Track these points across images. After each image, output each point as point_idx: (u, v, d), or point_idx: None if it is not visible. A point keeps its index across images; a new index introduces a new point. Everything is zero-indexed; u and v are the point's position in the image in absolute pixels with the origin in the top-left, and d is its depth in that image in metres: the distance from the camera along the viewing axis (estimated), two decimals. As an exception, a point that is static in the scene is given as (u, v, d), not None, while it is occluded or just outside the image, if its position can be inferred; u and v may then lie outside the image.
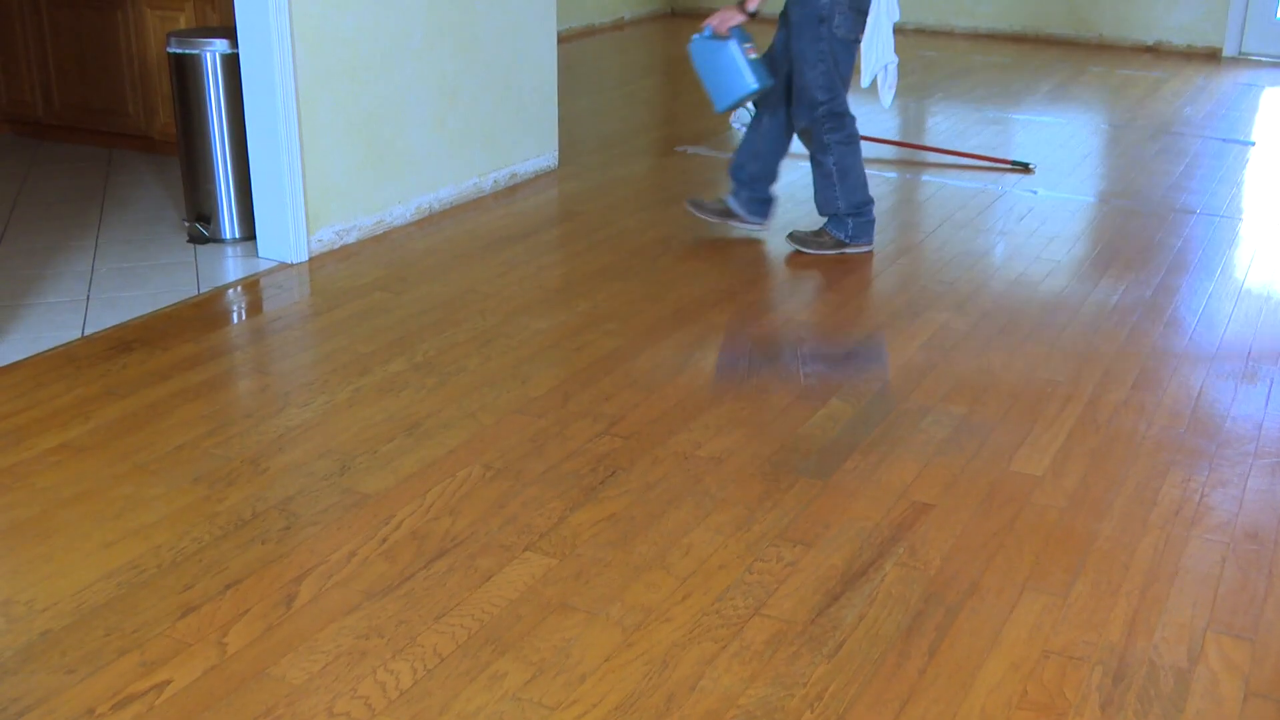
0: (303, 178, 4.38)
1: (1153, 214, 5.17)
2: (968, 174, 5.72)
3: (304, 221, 4.41)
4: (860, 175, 4.50)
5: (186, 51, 4.44)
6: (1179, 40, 8.97)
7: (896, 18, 4.46)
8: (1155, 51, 9.00)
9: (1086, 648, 2.39)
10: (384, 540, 2.70)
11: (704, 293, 4.22)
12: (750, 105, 4.79)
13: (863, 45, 4.41)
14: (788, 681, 2.28)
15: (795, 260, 4.53)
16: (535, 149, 5.55)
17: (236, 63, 4.35)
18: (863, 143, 4.63)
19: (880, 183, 5.58)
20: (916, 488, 2.96)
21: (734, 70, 4.36)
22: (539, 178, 5.52)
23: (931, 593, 2.56)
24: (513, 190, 5.35)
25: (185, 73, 4.46)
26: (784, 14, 4.45)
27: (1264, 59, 8.73)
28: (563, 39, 6.20)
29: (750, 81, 4.36)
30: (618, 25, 9.52)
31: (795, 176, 5.23)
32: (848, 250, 4.55)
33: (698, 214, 4.80)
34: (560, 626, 2.42)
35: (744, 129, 6.02)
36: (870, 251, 4.59)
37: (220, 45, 4.41)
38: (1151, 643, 2.41)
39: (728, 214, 4.77)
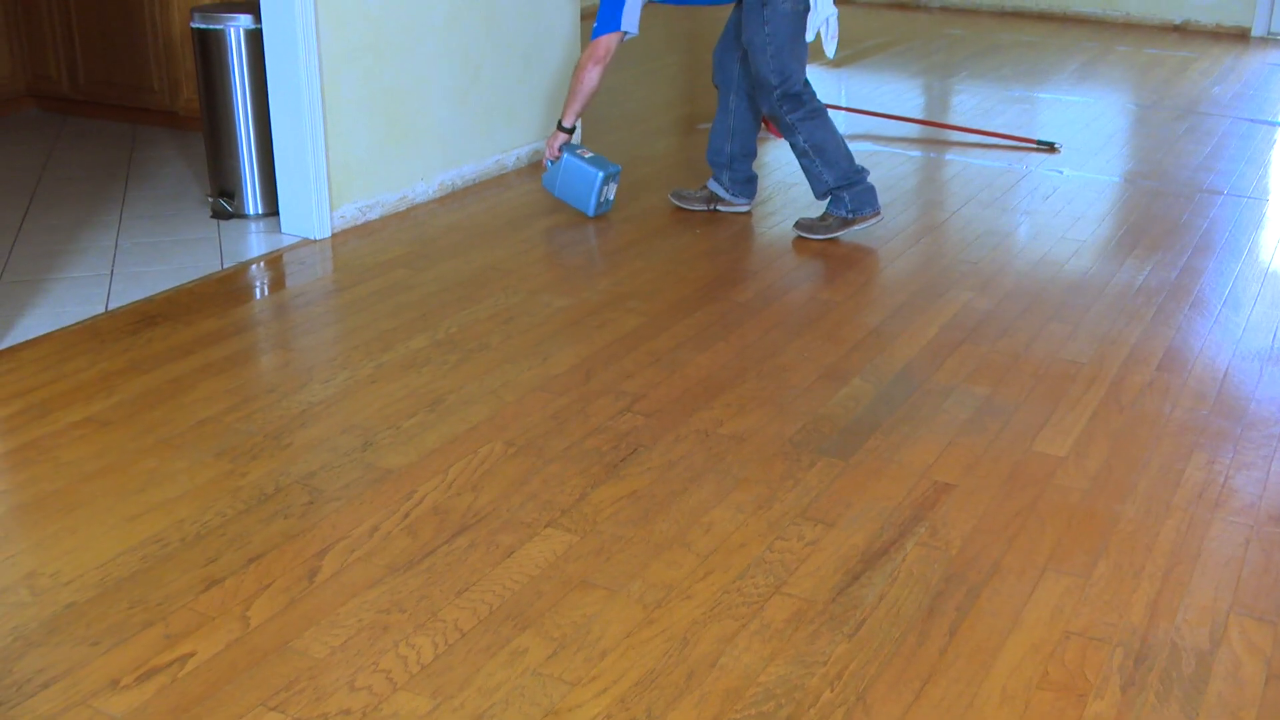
0: (326, 154, 4.38)
1: (1179, 194, 5.13)
2: (993, 153, 5.69)
3: (327, 197, 4.42)
4: (839, 146, 4.44)
5: (210, 27, 4.44)
6: (1207, 19, 8.89)
7: None
8: (1183, 31, 8.92)
9: (1108, 629, 2.39)
10: (406, 516, 2.71)
11: (726, 271, 4.22)
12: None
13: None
14: (808, 660, 2.28)
15: (814, 242, 4.50)
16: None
17: (260, 38, 4.35)
18: (839, 113, 4.57)
19: (904, 161, 5.55)
20: (938, 468, 2.96)
21: (579, 172, 4.63)
22: (561, 155, 5.50)
23: (953, 573, 2.55)
24: (535, 167, 5.34)
25: (209, 48, 4.47)
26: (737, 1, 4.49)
27: (1293, 38, 8.64)
28: (585, 15, 6.18)
29: (596, 172, 4.61)
30: (641, 2, 9.47)
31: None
32: (855, 225, 4.49)
33: (682, 205, 4.81)
34: (581, 603, 2.43)
35: None
36: (880, 218, 4.52)
37: (244, 21, 4.41)
38: (1174, 625, 2.41)
39: (713, 199, 4.78)
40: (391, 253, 4.31)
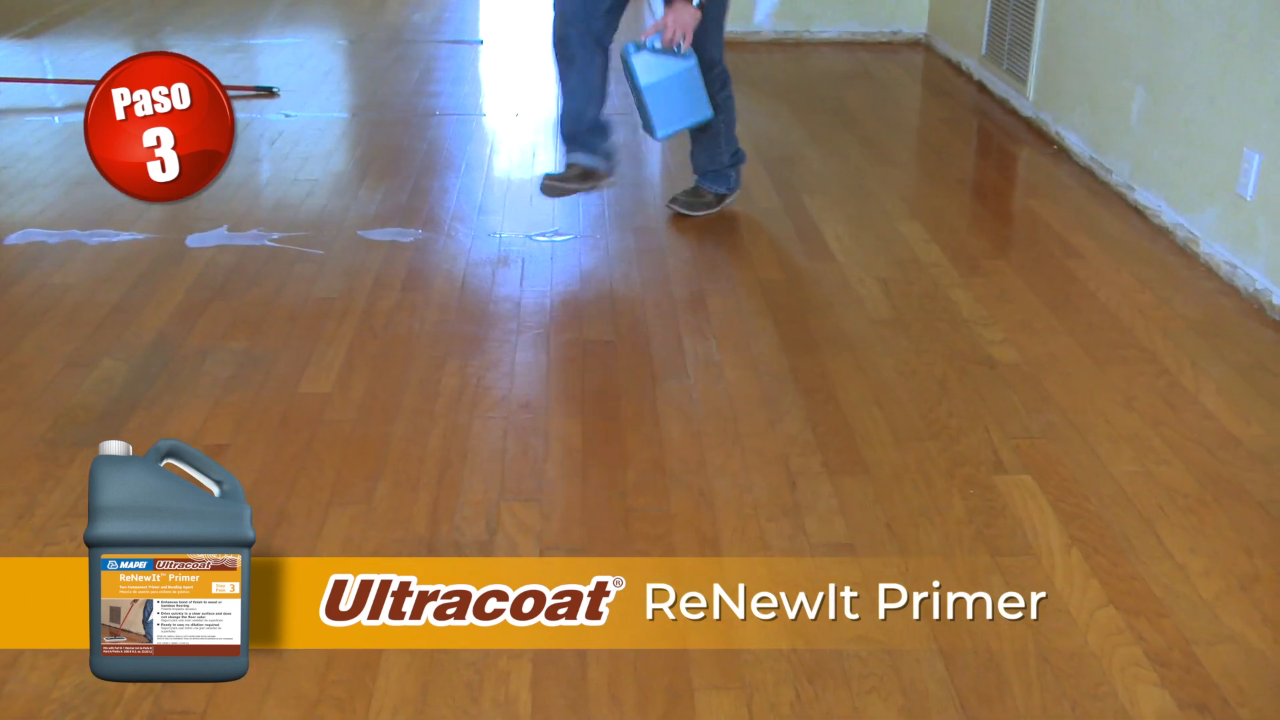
0: None
1: (399, 121, 5.35)
2: (213, 105, 5.59)
3: None
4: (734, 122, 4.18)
5: None
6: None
7: None
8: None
9: (398, 545, 2.49)
10: None
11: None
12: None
13: None
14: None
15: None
16: None
17: None
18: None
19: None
20: (209, 431, 2.90)
21: (693, 92, 3.86)
22: None
23: (239, 532, 2.53)
24: None
25: None
26: None
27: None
28: None
29: (706, 110, 3.89)
30: None
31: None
32: (728, 202, 4.22)
33: (564, 187, 4.00)
34: None
35: None
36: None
37: None
38: (454, 525, 2.56)
39: (589, 176, 4.01)
40: None
